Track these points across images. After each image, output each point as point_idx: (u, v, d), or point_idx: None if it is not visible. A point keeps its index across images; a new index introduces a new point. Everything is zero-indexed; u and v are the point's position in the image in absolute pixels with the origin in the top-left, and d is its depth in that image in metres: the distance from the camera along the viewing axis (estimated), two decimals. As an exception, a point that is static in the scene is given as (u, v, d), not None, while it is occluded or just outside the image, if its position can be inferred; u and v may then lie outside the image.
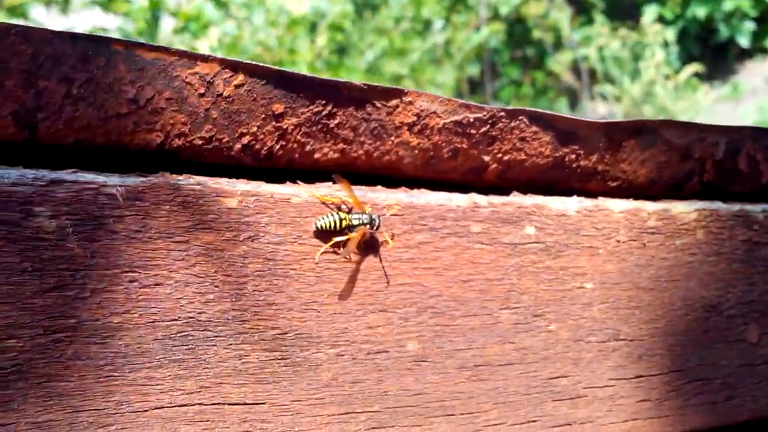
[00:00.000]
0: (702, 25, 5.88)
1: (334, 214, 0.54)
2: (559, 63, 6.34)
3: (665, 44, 5.83)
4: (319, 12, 4.71)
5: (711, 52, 6.06)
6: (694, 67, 5.51)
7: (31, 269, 0.45)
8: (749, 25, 5.68)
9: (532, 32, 6.51)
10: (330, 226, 0.53)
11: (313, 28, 4.56)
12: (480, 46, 6.06)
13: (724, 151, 0.71)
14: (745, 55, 5.98)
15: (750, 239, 0.70)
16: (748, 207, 0.70)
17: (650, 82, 5.61)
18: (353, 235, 0.54)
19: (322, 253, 0.53)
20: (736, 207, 0.70)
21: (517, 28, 6.66)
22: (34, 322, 0.45)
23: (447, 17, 5.99)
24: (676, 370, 0.67)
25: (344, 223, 0.54)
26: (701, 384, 0.68)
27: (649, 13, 5.82)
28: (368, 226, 0.54)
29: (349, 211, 0.55)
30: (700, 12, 5.73)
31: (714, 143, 0.70)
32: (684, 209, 0.67)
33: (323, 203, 0.54)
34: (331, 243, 0.53)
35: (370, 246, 0.55)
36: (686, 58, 5.98)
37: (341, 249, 0.54)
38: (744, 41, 5.73)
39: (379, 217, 0.55)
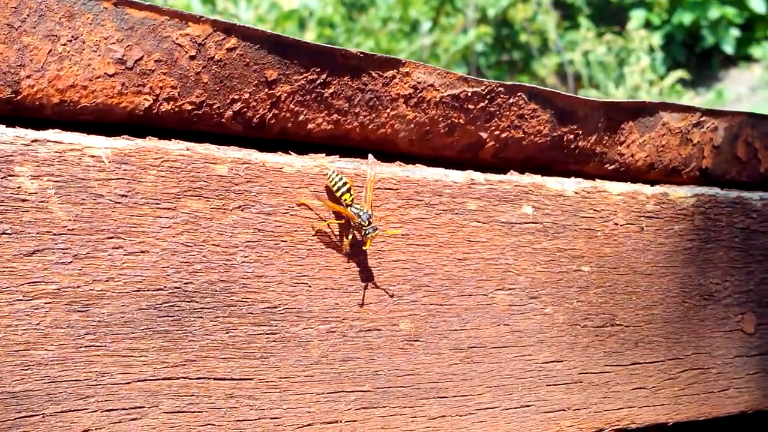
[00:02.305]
0: (688, 32, 5.91)
1: (345, 186, 0.51)
2: (545, 67, 6.35)
3: (651, 50, 5.85)
4: (308, 8, 4.69)
5: (696, 59, 6.09)
6: (679, 74, 5.53)
7: (11, 231, 0.42)
8: (734, 33, 5.71)
9: (519, 35, 6.52)
10: (333, 186, 0.52)
11: (302, 24, 4.54)
12: (466, 48, 6.05)
13: (722, 137, 0.70)
14: (730, 62, 6.02)
15: (748, 227, 0.69)
16: (746, 194, 0.69)
17: (635, 87, 5.63)
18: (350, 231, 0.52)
19: (318, 230, 0.52)
20: (734, 194, 0.69)
21: (504, 31, 6.67)
22: (12, 286, 0.42)
23: (434, 18, 5.99)
24: (672, 358, 0.65)
25: (344, 198, 0.52)
26: (697, 373, 0.66)
27: (636, 18, 5.84)
28: (361, 226, 0.52)
29: (352, 200, 0.52)
30: (686, 18, 5.75)
31: (713, 129, 0.69)
32: (683, 194, 0.66)
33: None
34: (327, 222, 0.52)
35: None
36: (671, 64, 6.01)
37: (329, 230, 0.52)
38: (729, 48, 5.76)
39: (373, 230, 0.52)
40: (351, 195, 0.52)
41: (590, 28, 6.12)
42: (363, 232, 0.52)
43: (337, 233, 0.53)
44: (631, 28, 5.86)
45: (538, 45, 6.52)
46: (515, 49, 6.75)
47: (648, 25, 6.09)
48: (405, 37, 5.67)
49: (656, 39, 5.78)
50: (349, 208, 0.52)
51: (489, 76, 6.53)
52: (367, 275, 0.53)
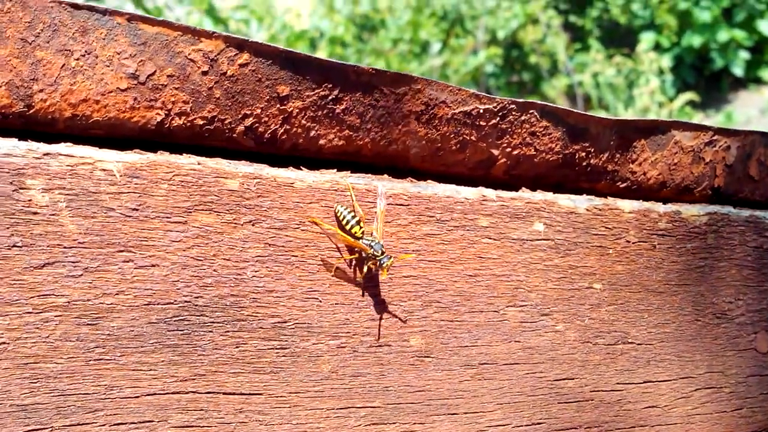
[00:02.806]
0: (697, 54, 5.92)
1: (354, 219, 0.51)
2: (555, 88, 6.35)
3: (660, 72, 5.86)
4: (319, 29, 4.72)
5: (705, 81, 6.09)
6: (689, 96, 5.53)
7: (21, 244, 0.42)
8: (744, 55, 5.71)
9: (529, 57, 6.54)
10: (342, 221, 0.51)
11: (313, 44, 4.57)
12: (476, 69, 6.08)
13: (735, 156, 0.69)
14: (740, 84, 6.01)
15: (761, 246, 0.68)
16: (759, 213, 0.69)
17: (644, 109, 5.62)
18: (363, 263, 0.52)
19: (336, 267, 0.52)
20: (746, 213, 0.68)
21: (514, 53, 6.69)
22: (23, 299, 0.42)
23: (444, 40, 6.02)
24: (685, 377, 0.65)
25: (354, 231, 0.51)
26: (710, 392, 0.66)
27: (646, 40, 5.85)
28: (373, 257, 0.52)
29: (362, 232, 0.52)
30: (696, 41, 5.76)
31: (725, 147, 0.69)
32: (695, 212, 0.65)
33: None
34: (342, 260, 0.52)
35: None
36: (681, 87, 6.01)
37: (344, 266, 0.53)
38: (738, 71, 5.76)
39: (388, 259, 0.51)
40: (361, 227, 0.52)
41: (600, 50, 6.13)
42: (378, 262, 0.52)
43: (350, 264, 0.53)
44: (640, 50, 5.87)
45: (547, 66, 6.54)
46: (525, 71, 6.77)
47: (657, 47, 6.10)
48: (415, 58, 5.70)
49: (666, 61, 5.79)
50: (360, 240, 0.52)
51: (499, 96, 6.52)
52: (378, 295, 0.53)
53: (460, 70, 5.75)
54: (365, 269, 0.52)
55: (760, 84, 5.89)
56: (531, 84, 6.76)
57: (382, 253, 0.51)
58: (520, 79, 6.83)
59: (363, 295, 0.53)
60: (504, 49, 6.41)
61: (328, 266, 0.51)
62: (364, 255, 0.52)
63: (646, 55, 5.81)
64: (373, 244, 0.52)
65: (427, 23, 5.69)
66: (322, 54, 4.43)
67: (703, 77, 6.11)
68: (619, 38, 6.57)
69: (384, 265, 0.51)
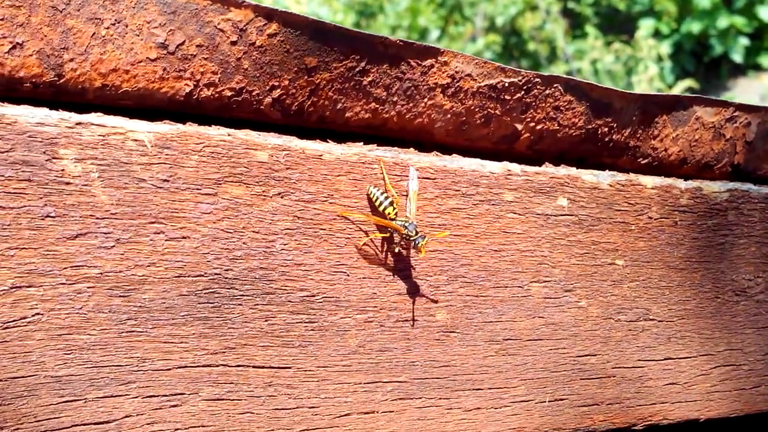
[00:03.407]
0: (697, 41, 5.91)
1: (387, 200, 0.51)
2: (554, 75, 6.33)
3: (659, 59, 5.85)
4: (318, 16, 4.70)
5: (705, 68, 6.09)
6: (688, 83, 5.52)
7: (55, 215, 0.42)
8: (743, 42, 5.71)
9: (527, 44, 6.52)
10: (376, 202, 0.51)
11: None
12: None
13: (755, 132, 0.69)
14: (739, 71, 6.01)
15: (780, 223, 0.68)
16: (779, 190, 0.69)
17: (644, 96, 5.61)
18: (397, 246, 0.52)
19: (364, 244, 0.52)
20: (766, 190, 0.68)
21: (512, 40, 6.67)
22: (56, 270, 0.42)
23: (443, 27, 6.00)
24: (705, 354, 0.65)
25: (388, 215, 0.51)
26: (729, 369, 0.66)
27: (645, 27, 5.84)
28: (407, 237, 0.52)
29: (396, 213, 0.52)
30: (695, 28, 5.75)
31: (746, 124, 0.68)
32: (716, 189, 0.65)
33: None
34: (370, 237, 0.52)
35: (400, 208, 0.53)
36: (680, 74, 6.00)
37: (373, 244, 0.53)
38: (738, 58, 5.76)
39: (423, 239, 0.51)
40: (394, 208, 0.52)
41: (598, 37, 6.11)
42: (413, 242, 0.51)
43: (380, 246, 0.52)
44: (639, 37, 5.86)
45: (546, 53, 6.52)
46: (523, 58, 6.75)
47: (656, 34, 6.08)
48: (413, 45, 5.67)
49: (665, 48, 5.78)
50: (394, 221, 0.52)
51: (497, 84, 6.50)
52: (404, 265, 0.53)
53: (458, 57, 5.73)
54: (397, 250, 0.52)
55: (759, 71, 5.89)
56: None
57: (417, 233, 0.51)
58: (518, 66, 6.81)
59: (393, 274, 0.52)
60: (503, 36, 6.39)
61: (359, 250, 0.51)
62: (396, 235, 0.52)
63: (645, 42, 5.80)
64: (407, 224, 0.51)
65: (425, 10, 5.68)
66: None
67: (703, 64, 6.10)
68: (618, 25, 6.55)
69: (419, 245, 0.51)
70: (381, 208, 0.51)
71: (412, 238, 0.51)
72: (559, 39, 6.35)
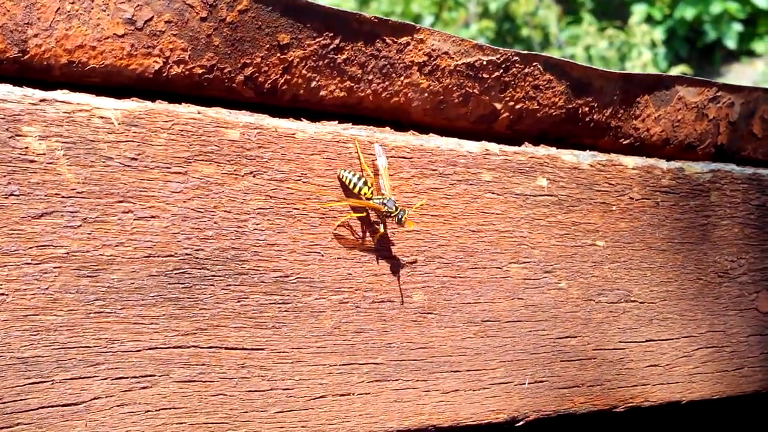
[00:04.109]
0: (690, 27, 5.89)
1: (360, 180, 0.51)
2: (547, 61, 6.31)
3: (653, 45, 5.84)
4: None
5: (698, 54, 6.08)
6: (681, 69, 5.51)
7: (19, 193, 0.41)
8: (737, 28, 5.70)
9: (521, 30, 6.50)
10: (349, 185, 0.51)
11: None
12: (468, 42, 6.02)
13: (738, 113, 0.68)
14: (732, 57, 6.00)
15: (764, 204, 0.68)
16: (762, 171, 0.68)
17: (637, 81, 5.60)
18: (378, 225, 0.52)
19: (339, 225, 0.51)
20: (750, 170, 0.68)
21: (506, 26, 6.65)
22: (21, 249, 0.41)
23: (437, 13, 5.97)
24: (687, 336, 0.64)
25: (363, 196, 0.51)
26: (712, 351, 0.65)
27: (638, 12, 5.82)
28: (388, 214, 0.51)
29: (372, 192, 0.51)
30: (689, 13, 5.74)
31: (729, 104, 0.68)
32: (698, 169, 0.65)
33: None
34: (346, 218, 0.52)
35: (377, 190, 0.52)
36: (673, 59, 5.99)
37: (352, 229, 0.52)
38: (731, 44, 5.75)
39: (404, 212, 0.51)
40: (369, 188, 0.51)
41: (592, 23, 6.10)
42: (396, 217, 0.51)
43: (357, 228, 0.52)
44: (633, 22, 5.84)
45: (539, 39, 6.50)
46: (517, 44, 6.73)
47: (650, 19, 6.07)
48: (406, 31, 5.65)
49: (658, 34, 5.76)
50: (371, 200, 0.51)
51: (490, 70, 6.47)
52: (380, 245, 0.52)
53: (451, 43, 5.71)
54: (380, 228, 0.52)
55: (752, 57, 5.88)
56: (523, 57, 6.72)
57: (397, 208, 0.51)
58: (512, 52, 6.78)
59: (370, 254, 0.52)
60: (496, 22, 6.37)
61: (335, 234, 0.50)
62: (374, 214, 0.51)
63: (638, 28, 5.79)
64: (385, 201, 0.51)
65: (418, -5, 5.65)
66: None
67: (696, 50, 6.09)
68: (612, 10, 6.53)
69: (402, 218, 0.50)
70: (356, 190, 0.50)
71: (393, 214, 0.51)
72: (553, 25, 6.33)
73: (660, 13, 6.04)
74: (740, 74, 5.82)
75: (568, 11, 6.66)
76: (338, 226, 0.51)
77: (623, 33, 5.94)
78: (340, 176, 0.51)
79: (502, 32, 6.63)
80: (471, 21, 6.20)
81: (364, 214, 0.52)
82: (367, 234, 0.52)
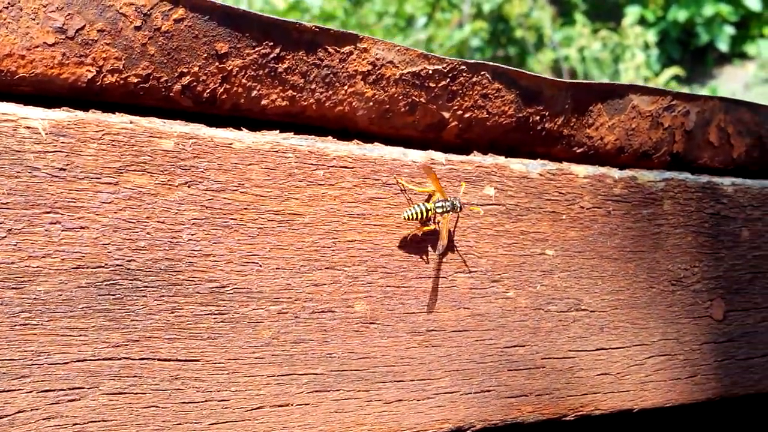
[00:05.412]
0: (683, 29, 5.90)
1: (421, 204, 0.54)
2: (540, 63, 6.33)
3: (646, 46, 5.84)
4: (304, 3, 4.68)
5: (691, 56, 6.08)
6: (674, 71, 5.52)
7: (-59, 204, 0.41)
8: (729, 30, 5.70)
9: (515, 31, 6.50)
10: (417, 216, 0.54)
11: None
12: (462, 43, 6.04)
13: (694, 121, 0.68)
14: (725, 59, 6.01)
15: (718, 213, 0.67)
16: (717, 179, 0.68)
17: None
18: (441, 224, 0.55)
19: (410, 238, 0.55)
20: (704, 179, 0.67)
21: (500, 27, 6.65)
22: (-57, 261, 0.41)
23: (430, 14, 5.97)
24: (639, 344, 0.64)
25: (430, 213, 0.55)
26: (664, 359, 0.65)
27: (631, 14, 5.83)
28: (451, 211, 0.56)
29: (429, 199, 0.56)
30: (681, 15, 5.74)
31: (684, 113, 0.68)
32: (652, 178, 0.65)
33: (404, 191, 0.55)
34: (421, 231, 0.55)
35: (316, 198, 0.52)
36: (666, 61, 6.00)
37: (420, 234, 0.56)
38: (723, 46, 5.75)
39: (459, 200, 0.55)
40: (434, 203, 0.55)
41: (586, 24, 6.10)
42: (458, 210, 0.56)
43: (428, 244, 0.56)
44: (626, 24, 5.85)
45: (533, 41, 6.50)
46: (511, 45, 6.73)
47: (643, 21, 6.08)
48: (400, 32, 5.66)
49: (651, 36, 5.77)
50: (441, 216, 0.55)
51: (484, 71, 6.46)
52: (320, 255, 0.52)
53: (445, 44, 5.72)
54: (445, 232, 0.55)
55: (744, 59, 5.89)
56: (517, 58, 6.73)
57: (453, 203, 0.55)
58: (506, 53, 6.79)
59: (299, 241, 0.51)
60: (490, 23, 6.37)
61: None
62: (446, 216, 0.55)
63: (631, 30, 5.79)
64: (445, 204, 0.55)
65: (412, -4, 5.64)
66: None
67: (689, 52, 6.10)
68: (605, 12, 6.54)
69: (459, 206, 0.55)
70: (429, 215, 0.54)
71: (457, 206, 0.55)
72: (547, 26, 6.33)
73: (653, 15, 6.04)
74: (732, 76, 5.83)
75: (563, 12, 6.67)
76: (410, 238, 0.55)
77: (616, 34, 5.94)
78: (406, 217, 0.54)
79: (496, 33, 6.63)
80: (464, 22, 6.20)
81: (434, 227, 0.56)
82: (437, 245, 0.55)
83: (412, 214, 0.54)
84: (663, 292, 0.65)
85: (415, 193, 0.55)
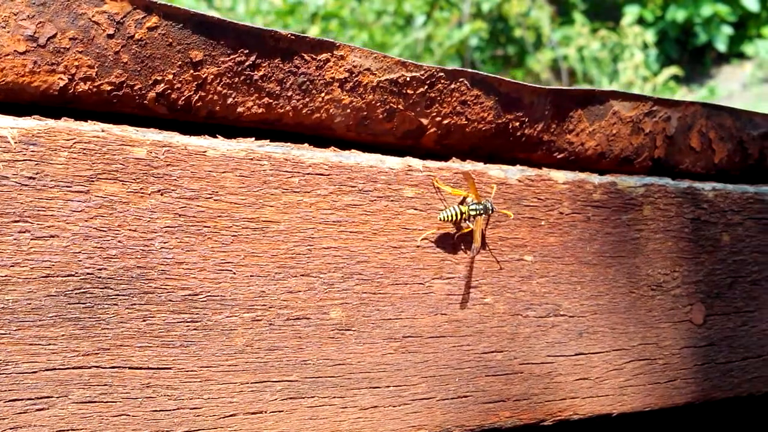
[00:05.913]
0: (681, 29, 5.90)
1: (456, 206, 0.56)
2: (539, 62, 6.33)
3: (644, 46, 5.84)
4: (305, 3, 4.68)
5: (689, 56, 6.08)
6: (673, 70, 5.51)
7: None
8: (727, 30, 5.70)
9: (514, 30, 6.50)
10: (453, 218, 0.56)
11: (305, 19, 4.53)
12: (461, 43, 6.03)
13: (675, 127, 0.68)
14: (723, 59, 6.00)
15: (698, 217, 0.67)
16: (697, 184, 0.68)
17: (629, 83, 5.61)
18: (475, 226, 0.57)
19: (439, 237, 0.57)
20: (684, 184, 0.67)
21: (499, 26, 6.65)
22: None
23: (429, 12, 5.97)
24: (618, 349, 0.64)
25: (464, 216, 0.56)
26: (643, 364, 0.65)
27: (630, 14, 5.82)
28: (484, 214, 0.57)
29: (462, 201, 0.58)
30: (680, 15, 5.74)
31: (665, 118, 0.68)
32: (632, 184, 0.65)
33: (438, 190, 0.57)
34: (457, 234, 0.58)
35: (291, 205, 0.52)
36: (665, 61, 6.00)
37: (456, 235, 0.58)
38: (722, 46, 5.75)
39: (492, 203, 0.58)
40: (468, 206, 0.57)
41: (585, 24, 6.09)
42: (490, 212, 0.58)
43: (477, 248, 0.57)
44: (625, 24, 5.84)
45: (532, 40, 6.50)
46: (510, 44, 6.73)
47: (642, 21, 6.07)
48: (399, 30, 5.66)
49: (650, 35, 5.76)
50: (474, 217, 0.57)
51: (484, 70, 6.47)
52: (295, 263, 0.52)
53: (444, 44, 5.72)
54: (478, 234, 0.57)
55: (742, 59, 5.88)
56: (516, 58, 6.73)
57: (486, 207, 0.57)
58: (505, 52, 6.79)
59: (275, 249, 0.51)
60: (489, 23, 6.36)
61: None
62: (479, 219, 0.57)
63: (630, 29, 5.79)
64: (479, 207, 0.57)
65: (411, -5, 5.64)
66: (315, 29, 4.38)
67: (687, 52, 6.09)
68: (604, 12, 6.54)
69: (492, 209, 0.57)
70: (464, 216, 0.56)
71: (489, 209, 0.57)
72: (546, 26, 6.33)
73: (652, 15, 6.04)
74: (730, 76, 5.83)
75: (561, 12, 6.66)
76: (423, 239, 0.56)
77: (615, 34, 5.94)
78: (441, 219, 0.56)
79: (495, 32, 6.63)
80: (464, 21, 6.20)
81: (468, 229, 0.57)
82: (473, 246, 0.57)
83: (448, 216, 0.56)
84: (643, 296, 0.65)
85: (449, 194, 0.57)
